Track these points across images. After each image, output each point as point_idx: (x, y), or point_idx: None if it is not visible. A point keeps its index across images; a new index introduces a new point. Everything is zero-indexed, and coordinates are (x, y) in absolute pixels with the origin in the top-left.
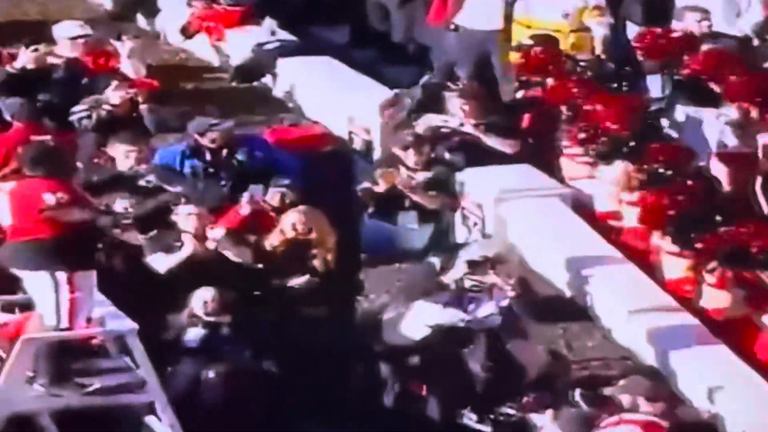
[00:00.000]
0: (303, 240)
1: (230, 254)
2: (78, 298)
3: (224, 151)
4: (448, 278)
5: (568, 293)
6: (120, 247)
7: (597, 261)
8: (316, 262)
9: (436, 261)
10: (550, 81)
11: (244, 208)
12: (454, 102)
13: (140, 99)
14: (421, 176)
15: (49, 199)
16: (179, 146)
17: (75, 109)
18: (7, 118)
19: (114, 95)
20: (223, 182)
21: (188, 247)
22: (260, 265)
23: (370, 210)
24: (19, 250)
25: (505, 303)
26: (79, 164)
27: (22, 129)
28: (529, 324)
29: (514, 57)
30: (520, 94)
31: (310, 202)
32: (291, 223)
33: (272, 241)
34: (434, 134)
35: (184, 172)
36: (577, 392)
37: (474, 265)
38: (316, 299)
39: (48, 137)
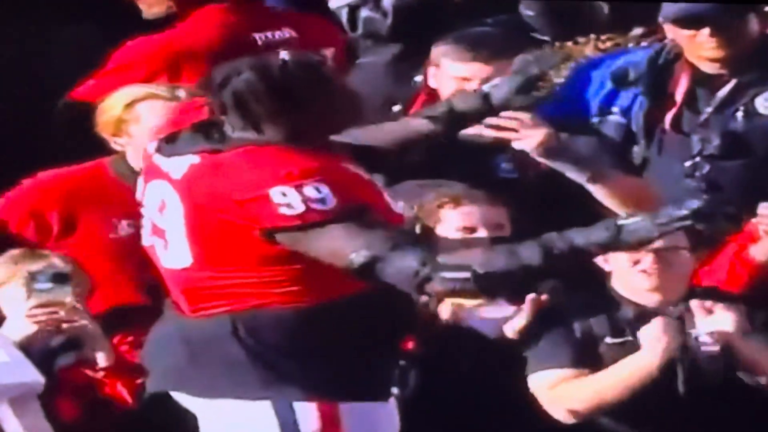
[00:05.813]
0: None
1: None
2: None
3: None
4: None
5: None
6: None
7: None
8: None
9: None
10: None
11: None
12: None
13: None
14: None
15: (289, 201)
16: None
17: None
18: None
19: None
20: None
21: (659, 348)
22: None
23: None
24: (199, 342)
25: None
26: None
27: (216, 11)
28: None
29: None
30: None
31: None
32: None
33: None
34: None
35: (602, 128)
36: None
37: None
38: None
39: (288, 33)
